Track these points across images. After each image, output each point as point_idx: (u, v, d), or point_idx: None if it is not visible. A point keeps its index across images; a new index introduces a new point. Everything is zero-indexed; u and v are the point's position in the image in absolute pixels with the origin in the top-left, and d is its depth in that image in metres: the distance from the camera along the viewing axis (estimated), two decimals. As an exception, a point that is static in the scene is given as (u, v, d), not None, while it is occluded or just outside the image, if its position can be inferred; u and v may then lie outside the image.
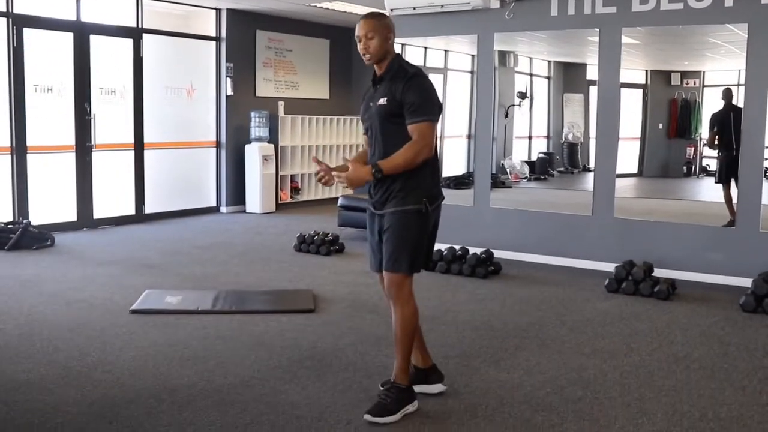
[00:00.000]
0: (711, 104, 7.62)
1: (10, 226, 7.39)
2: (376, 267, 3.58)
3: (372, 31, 3.42)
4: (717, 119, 7.14)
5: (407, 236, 3.38)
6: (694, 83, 7.73)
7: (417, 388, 3.55)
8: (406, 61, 3.51)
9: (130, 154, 9.10)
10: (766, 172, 6.18)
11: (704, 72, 7.82)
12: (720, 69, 7.85)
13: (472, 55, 7.78)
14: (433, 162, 3.43)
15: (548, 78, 9.92)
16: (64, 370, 3.95)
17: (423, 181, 3.38)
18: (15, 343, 4.39)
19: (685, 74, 7.77)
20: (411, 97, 3.32)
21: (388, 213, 3.39)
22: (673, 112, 7.73)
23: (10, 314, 5.01)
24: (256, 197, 10.21)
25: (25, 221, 7.52)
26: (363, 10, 6.75)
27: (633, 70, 8.27)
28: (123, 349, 4.31)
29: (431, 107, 3.35)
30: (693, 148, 7.50)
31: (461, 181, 8.42)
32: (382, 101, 3.38)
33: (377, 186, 3.43)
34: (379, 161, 3.35)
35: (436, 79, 9.10)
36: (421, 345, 3.68)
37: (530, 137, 9.64)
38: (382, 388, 3.53)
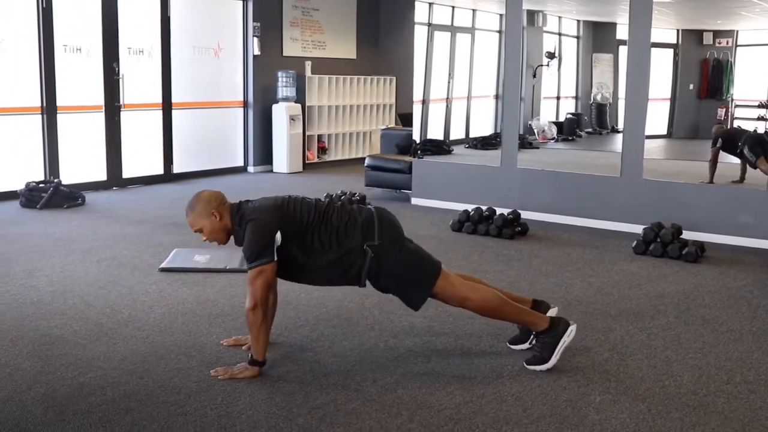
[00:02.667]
0: (744, 64, 7.45)
1: (41, 185, 7.46)
2: None
3: (195, 225, 3.40)
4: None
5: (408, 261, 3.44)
6: (727, 43, 7.55)
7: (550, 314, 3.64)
8: (246, 206, 3.40)
9: (159, 114, 9.12)
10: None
11: (737, 31, 7.63)
12: (754, 28, 7.66)
13: (500, 15, 7.66)
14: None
15: (577, 38, 9.76)
16: (95, 326, 4.00)
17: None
18: (48, 300, 4.45)
19: (717, 33, 7.58)
20: (244, 246, 3.33)
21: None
22: (704, 72, 7.57)
23: (43, 271, 5.08)
24: (283, 157, 10.22)
25: (56, 180, 7.59)
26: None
27: (664, 29, 8.11)
28: (153, 307, 4.35)
29: (255, 252, 3.28)
30: (724, 109, 7.35)
31: (488, 142, 8.36)
32: None
33: None
34: (251, 355, 3.39)
35: (463, 39, 9.01)
36: (513, 299, 3.65)
37: (558, 98, 9.51)
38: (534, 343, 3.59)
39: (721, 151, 6.79)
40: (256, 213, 3.33)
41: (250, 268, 3.28)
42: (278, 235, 3.29)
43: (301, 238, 3.35)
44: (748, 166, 6.55)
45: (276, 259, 3.30)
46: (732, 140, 6.76)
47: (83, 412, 3.01)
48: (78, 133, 8.27)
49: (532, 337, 3.60)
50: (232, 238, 3.47)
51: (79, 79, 8.23)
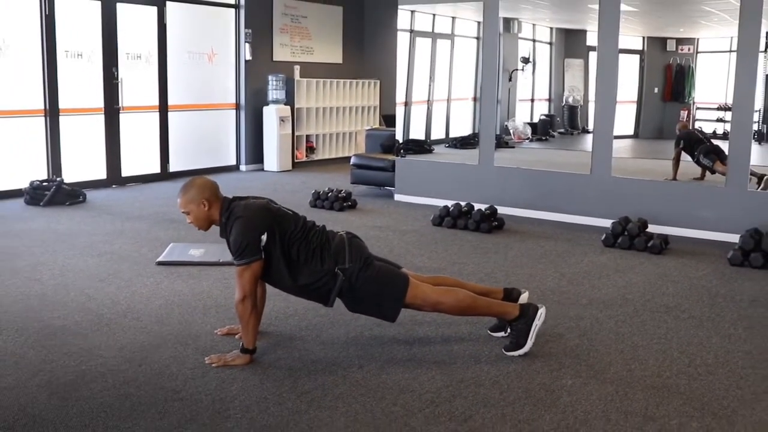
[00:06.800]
0: (704, 70, 7.49)
1: (45, 183, 7.41)
2: None
3: (183, 207, 3.38)
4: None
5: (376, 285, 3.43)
6: (689, 49, 7.59)
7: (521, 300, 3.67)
8: (237, 203, 3.36)
9: (156, 116, 9.06)
10: (754, 135, 6.16)
11: (698, 39, 7.68)
12: (713, 36, 7.72)
13: (478, 22, 7.66)
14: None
15: (550, 44, 9.78)
16: (96, 317, 3.98)
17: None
18: (51, 293, 4.42)
19: (680, 41, 7.62)
20: (230, 241, 3.30)
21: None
22: (668, 76, 7.60)
23: (47, 265, 5.04)
24: (273, 156, 10.18)
25: (58, 179, 7.54)
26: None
27: (630, 36, 8.14)
28: (150, 298, 4.33)
29: (243, 249, 3.25)
30: (687, 111, 7.39)
31: (467, 142, 8.36)
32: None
33: None
34: (242, 343, 3.39)
35: (443, 45, 9.00)
36: (484, 292, 3.67)
37: (533, 100, 9.52)
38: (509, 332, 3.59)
39: (683, 152, 6.84)
40: (245, 211, 3.30)
41: (238, 265, 3.27)
42: (264, 236, 3.29)
43: (283, 245, 3.34)
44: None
45: (263, 257, 3.29)
46: (692, 143, 6.82)
47: (85, 398, 2.99)
48: (79, 134, 8.21)
49: (507, 326, 3.61)
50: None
51: (80, 83, 8.16)
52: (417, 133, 8.70)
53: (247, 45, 9.99)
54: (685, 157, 6.78)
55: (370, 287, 3.40)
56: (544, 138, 9.09)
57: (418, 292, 3.43)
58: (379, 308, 3.48)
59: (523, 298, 3.74)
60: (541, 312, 3.49)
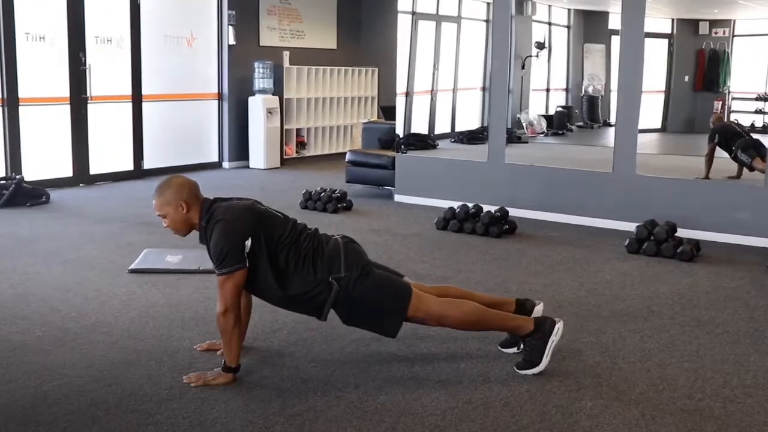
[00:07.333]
0: (741, 55, 7.50)
1: (2, 182, 7.38)
2: None
3: (159, 210, 3.37)
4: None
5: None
6: (724, 33, 7.60)
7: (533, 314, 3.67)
8: (219, 205, 3.35)
9: (128, 107, 9.07)
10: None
11: (735, 21, 7.69)
12: (753, 17, 7.72)
13: (488, 3, 7.67)
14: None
15: (568, 27, 9.79)
16: (60, 332, 3.97)
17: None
18: (10, 304, 4.41)
19: (714, 23, 7.63)
20: (211, 247, 3.30)
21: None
22: (700, 63, 7.62)
23: (5, 274, 5.03)
24: (260, 152, 10.19)
25: (18, 177, 7.51)
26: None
27: (658, 18, 8.15)
28: (122, 310, 4.33)
29: (224, 257, 3.24)
30: (720, 102, 7.41)
31: (475, 136, 8.38)
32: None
33: None
34: (225, 361, 3.37)
35: (448, 29, 9.00)
36: (494, 304, 3.67)
37: (548, 90, 9.54)
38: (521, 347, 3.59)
39: (717, 147, 6.84)
40: (226, 214, 3.29)
41: (220, 274, 3.26)
42: (248, 242, 3.28)
43: (270, 251, 3.32)
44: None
45: (247, 265, 3.28)
46: (729, 137, 6.82)
47: (47, 422, 2.98)
48: (42, 126, 8.21)
49: (520, 341, 3.61)
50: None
51: (43, 69, 8.16)
52: (419, 126, 8.71)
53: (231, 28, 10.00)
54: (720, 153, 6.78)
55: (368, 298, 3.40)
56: (560, 132, 9.11)
57: (421, 304, 3.42)
58: (378, 322, 3.47)
59: (538, 310, 3.73)
60: (559, 327, 3.49)
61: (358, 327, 3.57)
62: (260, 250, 3.30)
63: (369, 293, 3.39)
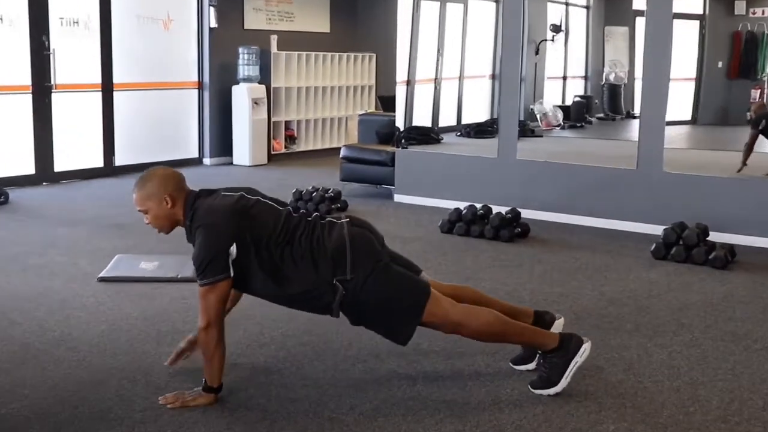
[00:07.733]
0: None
1: (-43, 180, 7.39)
2: None
3: (140, 205, 3.37)
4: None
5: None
6: (763, 13, 7.59)
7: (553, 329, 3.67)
8: (202, 202, 3.33)
9: (97, 97, 9.07)
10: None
11: (775, -1, 7.69)
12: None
13: (498, -19, 7.68)
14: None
15: (587, 8, 9.81)
16: (21, 348, 3.96)
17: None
18: (-35, 316, 4.40)
19: (751, 2, 7.63)
20: (193, 254, 3.28)
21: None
22: (735, 47, 7.61)
23: (-41, 282, 5.03)
24: (244, 147, 10.20)
25: (-25, 174, 7.52)
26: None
27: (688, -3, 8.17)
28: (90, 323, 4.31)
29: (205, 266, 3.22)
30: (759, 91, 7.40)
31: (483, 130, 8.38)
32: None
33: None
34: (205, 380, 3.35)
35: (454, 9, 9.00)
36: (512, 313, 3.63)
37: (565, 78, 9.55)
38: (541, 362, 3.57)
39: (761, 136, 6.78)
40: (210, 216, 3.26)
41: (201, 285, 3.24)
42: (233, 248, 3.24)
43: (260, 254, 3.29)
44: None
45: (232, 274, 3.25)
46: None
47: (6, 447, 2.97)
48: (0, 118, 8.20)
49: (537, 356, 3.59)
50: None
51: (1, 54, 8.15)
52: (422, 119, 8.71)
53: (212, 9, 10.00)
54: (761, 146, 6.73)
55: (379, 300, 3.34)
56: (578, 125, 9.11)
57: (438, 309, 3.36)
58: (388, 327, 3.43)
59: (558, 325, 3.72)
60: (585, 347, 3.45)
61: (367, 329, 3.53)
62: (248, 254, 3.26)
63: (380, 295, 3.33)
